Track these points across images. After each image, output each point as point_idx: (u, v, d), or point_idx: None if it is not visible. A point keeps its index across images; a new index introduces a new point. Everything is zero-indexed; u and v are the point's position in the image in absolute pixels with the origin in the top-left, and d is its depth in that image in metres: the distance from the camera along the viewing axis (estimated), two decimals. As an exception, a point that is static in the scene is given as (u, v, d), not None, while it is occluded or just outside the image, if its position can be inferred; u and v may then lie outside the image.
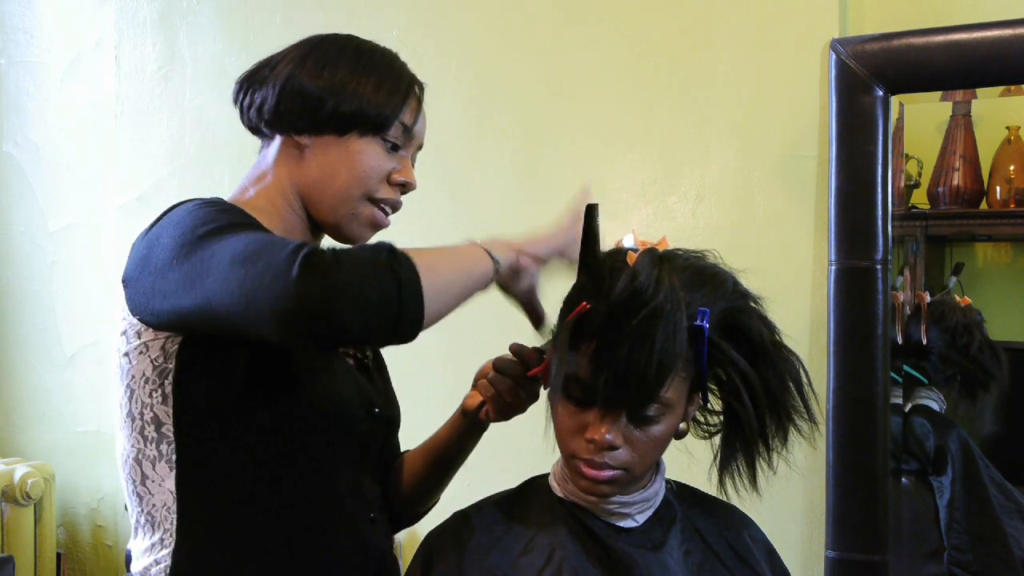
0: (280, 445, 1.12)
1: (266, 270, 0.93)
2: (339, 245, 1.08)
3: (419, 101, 1.26)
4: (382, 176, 1.21)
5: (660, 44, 1.98)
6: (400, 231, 2.22)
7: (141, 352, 1.11)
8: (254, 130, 1.25)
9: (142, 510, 1.14)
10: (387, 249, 0.98)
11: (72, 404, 2.69)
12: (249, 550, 1.13)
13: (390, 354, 1.36)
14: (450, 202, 2.21)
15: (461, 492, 1.35)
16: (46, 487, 2.57)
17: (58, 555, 2.65)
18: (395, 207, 1.25)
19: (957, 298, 1.88)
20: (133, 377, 1.12)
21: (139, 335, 1.11)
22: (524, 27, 2.12)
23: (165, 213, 1.14)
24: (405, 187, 1.25)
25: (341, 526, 1.18)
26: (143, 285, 1.08)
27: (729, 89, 1.91)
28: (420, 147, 1.30)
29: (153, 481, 1.13)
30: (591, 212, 1.16)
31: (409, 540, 2.21)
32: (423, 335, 1.01)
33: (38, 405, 2.78)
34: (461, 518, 1.19)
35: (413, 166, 1.28)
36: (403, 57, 1.27)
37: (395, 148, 1.22)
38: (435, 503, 1.40)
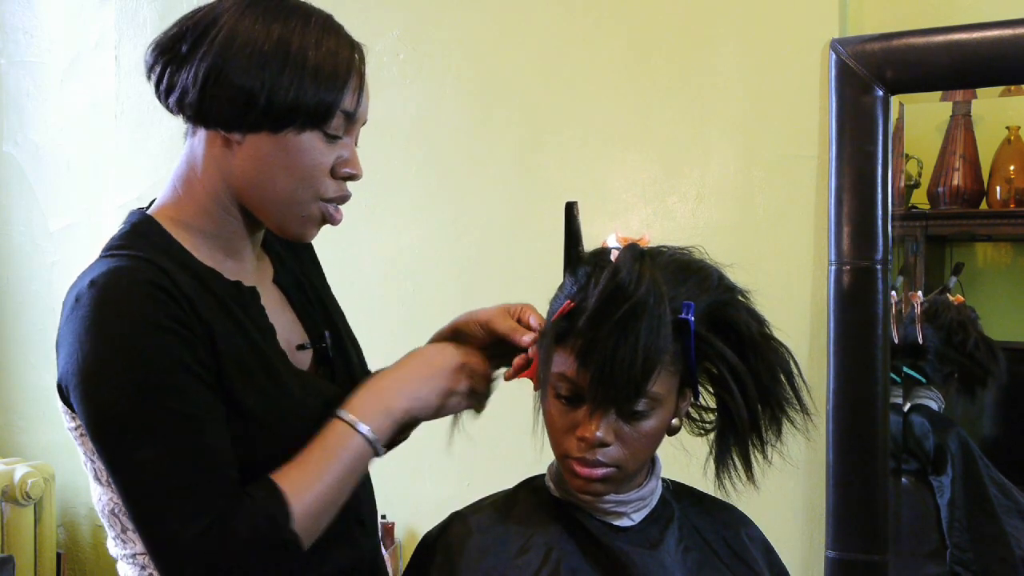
0: (251, 476, 1.05)
1: (163, 557, 1.01)
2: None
3: (361, 76, 1.10)
4: (326, 171, 1.09)
5: (660, 44, 1.98)
6: (401, 231, 2.24)
7: (83, 434, 1.07)
8: (173, 113, 1.12)
9: (126, 553, 1.12)
10: (274, 526, 1.01)
11: (72, 404, 2.69)
12: None
13: (369, 342, 1.36)
14: (450, 202, 2.21)
15: (459, 493, 1.35)
16: (46, 487, 2.58)
17: (58, 555, 2.65)
18: (343, 200, 1.13)
19: (950, 297, 1.88)
20: (86, 452, 1.10)
21: (74, 419, 1.08)
22: (524, 27, 2.12)
23: (83, 292, 1.03)
24: (351, 178, 1.13)
25: (332, 538, 1.14)
26: (76, 405, 1.03)
27: (729, 89, 1.91)
28: (363, 123, 1.14)
29: (134, 531, 1.08)
30: (570, 211, 1.15)
31: (409, 540, 2.21)
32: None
33: (38, 405, 2.78)
34: (458, 519, 1.19)
35: (356, 145, 1.15)
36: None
37: (336, 138, 1.09)
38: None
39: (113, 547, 1.14)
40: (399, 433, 1.17)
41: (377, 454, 1.11)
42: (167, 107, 1.11)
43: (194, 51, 1.06)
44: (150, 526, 1.01)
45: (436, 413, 1.17)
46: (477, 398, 1.20)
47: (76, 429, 1.09)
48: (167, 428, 1.00)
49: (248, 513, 1.01)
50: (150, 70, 1.10)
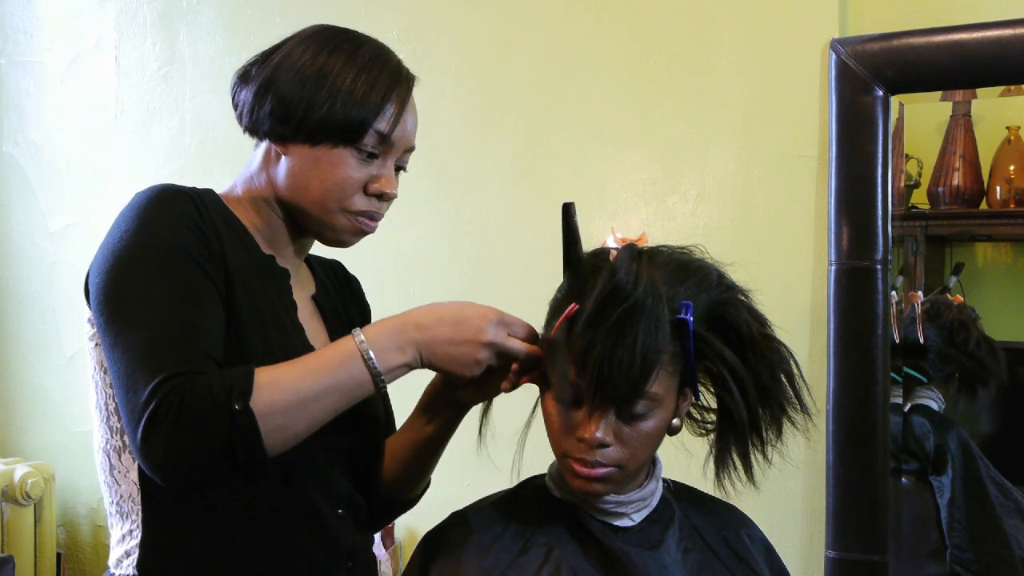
0: None
1: (126, 407, 1.02)
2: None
3: (402, 103, 1.18)
4: (356, 187, 1.17)
5: (660, 44, 1.98)
6: (401, 231, 2.24)
7: (96, 343, 1.11)
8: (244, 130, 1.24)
9: (112, 500, 1.15)
10: (228, 393, 0.99)
11: (72, 404, 2.69)
12: (215, 544, 1.12)
13: None
14: (450, 202, 2.21)
15: (460, 492, 1.35)
16: (46, 487, 2.57)
17: (58, 555, 2.65)
18: (374, 217, 1.21)
19: (950, 296, 1.88)
20: (94, 368, 1.13)
21: (92, 324, 1.12)
22: (524, 27, 2.12)
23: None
24: (383, 197, 1.20)
25: (308, 522, 1.16)
26: (91, 280, 1.09)
27: (729, 89, 1.91)
28: (411, 149, 1.23)
29: (119, 471, 1.13)
30: (568, 211, 1.15)
31: (409, 540, 2.21)
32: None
33: (38, 405, 2.78)
34: (459, 518, 1.19)
35: (405, 169, 1.24)
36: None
37: (372, 156, 1.17)
38: (427, 486, 1.38)
39: (105, 499, 1.16)
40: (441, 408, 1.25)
41: (377, 386, 1.08)
42: (240, 124, 1.22)
43: (258, 72, 1.19)
44: (122, 378, 1.02)
45: (452, 375, 1.15)
46: (500, 374, 1.17)
47: (92, 338, 1.13)
48: (163, 295, 1.04)
49: (209, 378, 1.00)
50: (233, 93, 1.22)
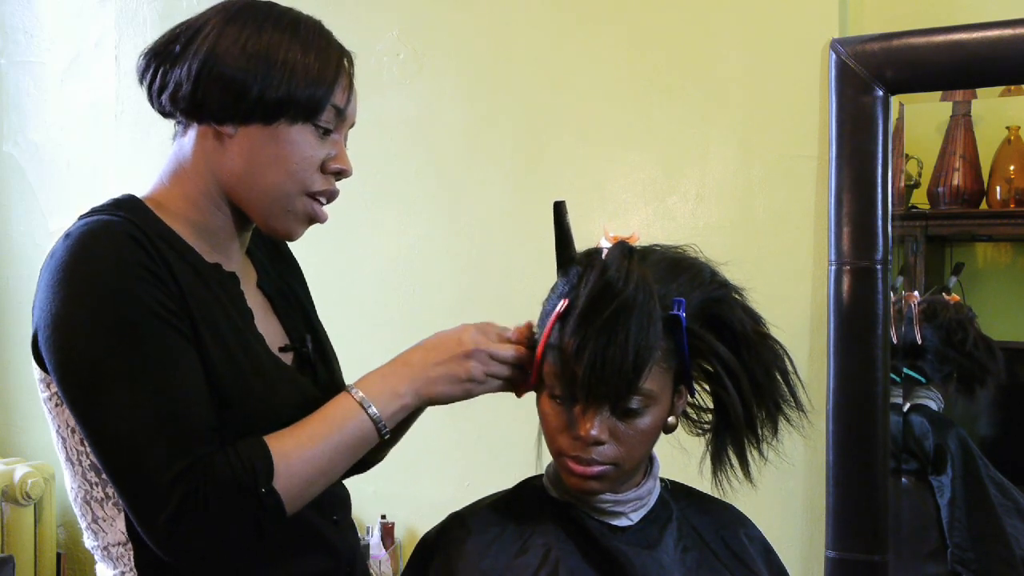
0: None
1: (137, 504, 0.98)
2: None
3: (350, 77, 1.13)
4: (315, 166, 1.11)
5: (660, 44, 1.98)
6: (402, 231, 2.24)
7: (57, 404, 1.07)
8: (165, 114, 1.13)
9: (98, 544, 1.11)
10: (253, 476, 0.99)
11: (72, 404, 2.69)
12: (214, 572, 1.08)
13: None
14: (450, 202, 2.21)
15: (459, 493, 1.35)
16: (46, 487, 2.57)
17: (58, 555, 2.65)
18: (331, 197, 1.15)
19: (946, 296, 1.88)
20: (59, 427, 1.08)
21: (48, 386, 1.07)
22: (524, 27, 2.12)
23: (64, 243, 1.04)
24: (340, 175, 1.14)
25: (307, 538, 1.14)
26: (45, 354, 1.02)
27: (729, 89, 1.91)
28: (352, 125, 1.17)
29: (104, 520, 1.08)
30: (559, 210, 1.15)
31: (408, 540, 2.21)
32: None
33: (38, 405, 2.75)
34: (457, 520, 1.19)
35: (345, 146, 1.17)
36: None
37: (327, 133, 1.11)
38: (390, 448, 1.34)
39: (87, 540, 1.13)
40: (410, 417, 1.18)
41: (381, 437, 1.09)
42: (159, 107, 1.13)
43: (186, 49, 1.08)
44: (125, 473, 0.98)
45: (453, 398, 1.14)
46: (506, 381, 1.16)
47: (51, 399, 1.08)
48: (140, 371, 0.98)
49: (229, 461, 0.99)
50: (143, 74, 1.12)
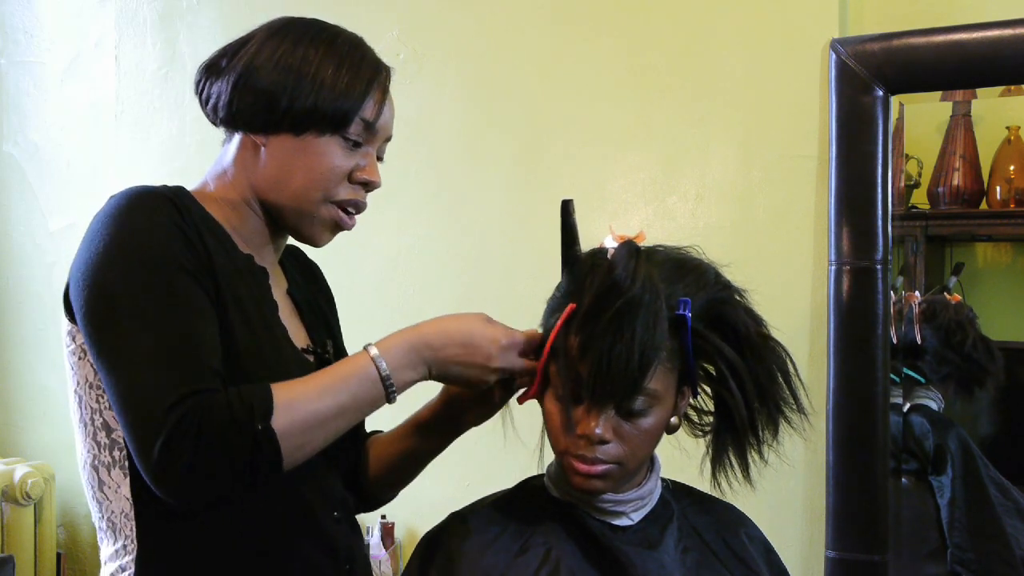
0: None
1: (135, 428, 0.99)
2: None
3: (384, 92, 1.19)
4: (342, 176, 1.16)
5: (660, 44, 1.98)
6: (401, 232, 2.24)
7: (80, 357, 1.09)
8: (215, 124, 1.21)
9: (102, 516, 1.12)
10: (250, 412, 0.99)
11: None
12: (213, 555, 1.10)
13: (346, 343, 1.36)
14: (450, 202, 2.21)
15: (459, 493, 1.35)
16: (46, 487, 2.58)
17: (58, 555, 2.65)
18: (359, 208, 1.20)
19: (947, 295, 1.88)
20: (78, 383, 1.10)
21: (74, 338, 1.10)
22: (524, 27, 2.12)
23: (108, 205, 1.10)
24: (368, 186, 1.20)
25: (306, 528, 1.15)
26: (74, 296, 1.06)
27: (729, 89, 1.91)
28: (388, 139, 1.23)
29: (109, 487, 1.10)
30: (566, 209, 1.15)
31: (408, 540, 2.21)
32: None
33: (38, 405, 2.78)
34: (458, 519, 1.19)
35: (382, 159, 1.23)
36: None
37: (357, 145, 1.17)
38: (400, 490, 1.38)
39: (94, 514, 1.14)
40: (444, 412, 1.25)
41: (389, 399, 1.10)
42: (210, 118, 1.20)
43: (231, 63, 1.16)
44: (128, 397, 1.00)
45: (462, 385, 1.18)
46: (502, 394, 1.21)
47: (75, 352, 1.10)
48: (158, 308, 1.02)
49: (228, 396, 1.00)
50: (196, 85, 1.20)
